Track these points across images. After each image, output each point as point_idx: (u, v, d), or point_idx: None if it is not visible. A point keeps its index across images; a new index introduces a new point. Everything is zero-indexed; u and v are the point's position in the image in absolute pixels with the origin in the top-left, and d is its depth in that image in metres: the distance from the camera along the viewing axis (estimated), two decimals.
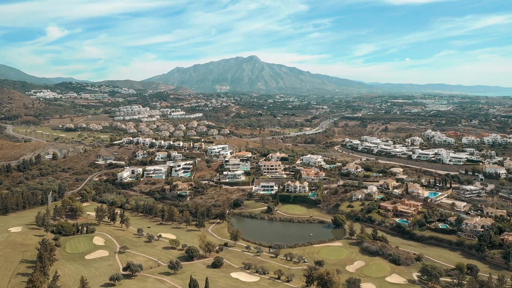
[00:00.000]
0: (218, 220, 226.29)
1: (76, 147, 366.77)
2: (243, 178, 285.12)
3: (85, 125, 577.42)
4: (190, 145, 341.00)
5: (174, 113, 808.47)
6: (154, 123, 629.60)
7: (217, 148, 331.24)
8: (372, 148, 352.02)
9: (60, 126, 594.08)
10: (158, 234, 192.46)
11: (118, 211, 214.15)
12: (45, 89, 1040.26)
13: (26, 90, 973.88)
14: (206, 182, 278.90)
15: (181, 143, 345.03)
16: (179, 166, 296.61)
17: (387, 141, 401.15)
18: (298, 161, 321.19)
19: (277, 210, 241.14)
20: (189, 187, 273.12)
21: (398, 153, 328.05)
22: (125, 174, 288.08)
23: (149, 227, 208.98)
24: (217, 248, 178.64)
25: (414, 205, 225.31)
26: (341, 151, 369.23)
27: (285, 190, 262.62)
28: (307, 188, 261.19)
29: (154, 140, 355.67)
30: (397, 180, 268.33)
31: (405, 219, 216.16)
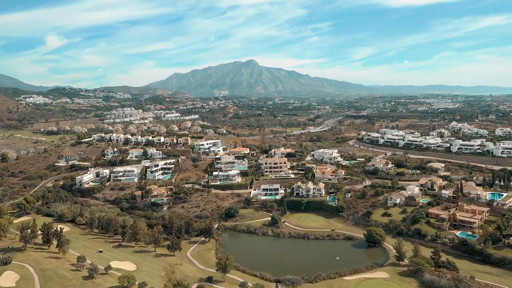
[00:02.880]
0: (203, 238, 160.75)
1: (38, 147, 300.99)
2: (238, 179, 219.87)
3: (69, 128, 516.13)
4: (173, 140, 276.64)
5: (169, 115, 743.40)
6: (145, 125, 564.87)
7: (207, 144, 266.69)
8: (397, 140, 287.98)
9: (42, 129, 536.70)
10: (107, 264, 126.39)
11: (59, 228, 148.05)
12: (37, 95, 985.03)
13: (17, 96, 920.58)
14: (190, 185, 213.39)
15: (162, 139, 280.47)
16: (156, 166, 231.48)
17: (412, 133, 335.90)
18: (308, 158, 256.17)
19: (284, 222, 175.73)
20: (168, 192, 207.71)
21: (432, 145, 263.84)
22: (86, 178, 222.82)
23: (100, 252, 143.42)
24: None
25: (479, 212, 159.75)
26: (357, 146, 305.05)
27: (294, 194, 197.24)
28: (323, 191, 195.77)
29: (129, 136, 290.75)
30: (442, 178, 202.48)
31: (469, 232, 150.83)
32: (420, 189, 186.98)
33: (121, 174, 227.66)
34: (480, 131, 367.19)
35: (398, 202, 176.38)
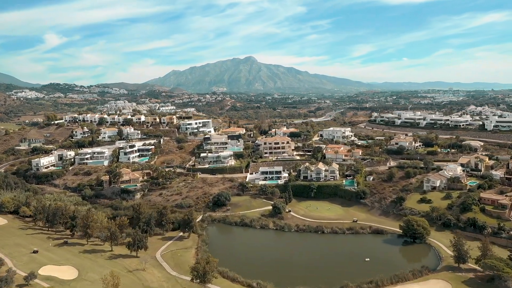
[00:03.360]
0: (181, 234, 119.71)
1: (1, 131, 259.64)
2: (231, 162, 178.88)
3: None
4: (155, 119, 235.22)
5: (163, 108, 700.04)
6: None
7: (195, 124, 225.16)
8: (417, 120, 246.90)
9: (27, 121, 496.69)
10: (31, 272, 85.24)
11: None
12: (29, 90, 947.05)
13: (10, 91, 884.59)
14: (171, 169, 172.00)
15: (143, 117, 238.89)
16: (132, 147, 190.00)
17: (434, 113, 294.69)
18: (315, 138, 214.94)
19: (289, 211, 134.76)
20: (144, 177, 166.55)
21: (461, 123, 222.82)
22: (45, 161, 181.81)
23: (34, 252, 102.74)
24: None
25: None
26: (370, 128, 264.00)
27: (301, 177, 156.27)
28: (337, 173, 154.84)
29: (105, 116, 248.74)
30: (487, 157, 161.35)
31: None
32: (462, 169, 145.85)
33: (88, 156, 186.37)
34: (505, 113, 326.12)
35: (437, 185, 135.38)
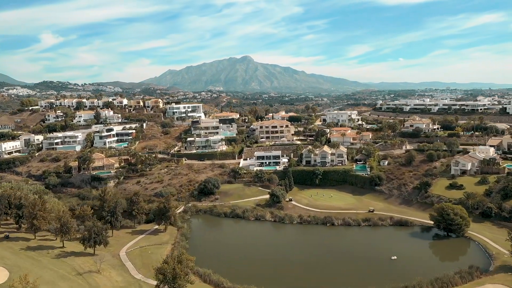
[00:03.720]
0: (156, 226, 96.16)
1: None
2: (223, 147, 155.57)
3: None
4: (138, 103, 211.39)
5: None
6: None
7: (183, 108, 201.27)
8: (428, 106, 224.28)
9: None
10: None
11: None
12: (22, 87, 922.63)
13: (1, 87, 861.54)
14: (151, 154, 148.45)
15: (125, 101, 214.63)
16: (109, 130, 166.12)
17: (445, 99, 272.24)
18: (318, 122, 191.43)
19: (291, 200, 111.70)
20: (122, 164, 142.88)
21: (479, 108, 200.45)
22: (7, 146, 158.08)
23: None
24: None
25: None
26: (376, 115, 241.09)
27: (304, 162, 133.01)
28: (346, 158, 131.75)
29: (84, 100, 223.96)
30: None
31: None
32: (495, 151, 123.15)
33: (59, 141, 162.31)
34: None
35: (468, 168, 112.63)
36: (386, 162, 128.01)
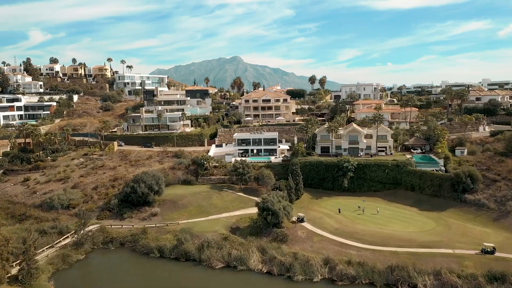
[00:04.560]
0: None
1: None
2: (187, 129, 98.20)
3: None
4: (76, 70, 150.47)
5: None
6: None
7: (139, 77, 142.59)
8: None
9: None
10: None
11: None
12: None
13: None
14: (62, 136, 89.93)
15: (57, 67, 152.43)
16: (12, 101, 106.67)
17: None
18: (328, 98, 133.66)
19: (301, 220, 54.92)
20: (14, 149, 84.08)
21: None
22: None
23: None
24: None
25: None
26: (396, 98, 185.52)
27: (318, 150, 76.47)
28: (391, 143, 75.34)
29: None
30: None
31: None
32: None
33: None
34: None
35: None
36: (465, 151, 72.05)
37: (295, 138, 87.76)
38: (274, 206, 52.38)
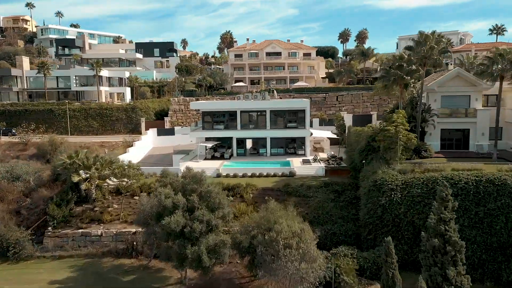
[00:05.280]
0: None
1: None
2: (117, 102, 46.13)
3: None
4: None
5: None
6: None
7: (79, 35, 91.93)
8: None
9: None
10: None
11: None
12: None
13: None
14: None
15: None
16: None
17: None
18: (373, 59, 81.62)
19: None
20: None
21: None
22: None
23: None
24: None
25: None
26: None
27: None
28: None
29: None
30: None
31: None
32: None
33: None
34: None
35: None
36: None
37: (344, 116, 36.79)
38: None
